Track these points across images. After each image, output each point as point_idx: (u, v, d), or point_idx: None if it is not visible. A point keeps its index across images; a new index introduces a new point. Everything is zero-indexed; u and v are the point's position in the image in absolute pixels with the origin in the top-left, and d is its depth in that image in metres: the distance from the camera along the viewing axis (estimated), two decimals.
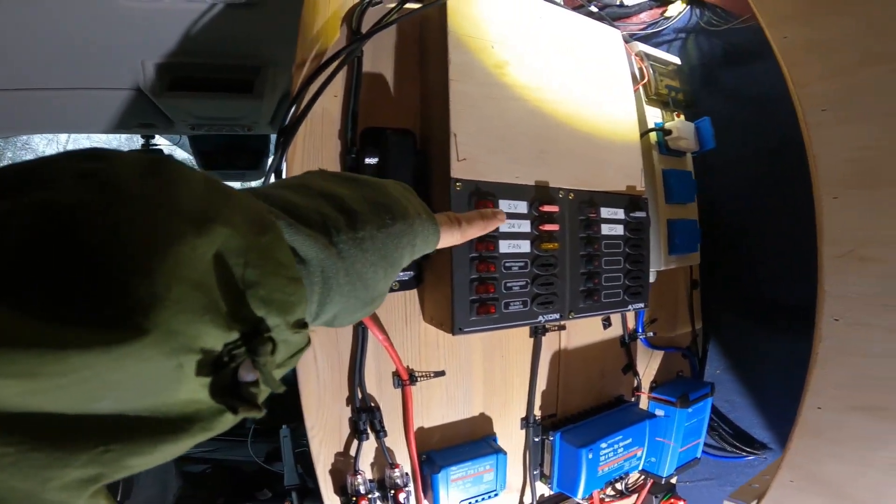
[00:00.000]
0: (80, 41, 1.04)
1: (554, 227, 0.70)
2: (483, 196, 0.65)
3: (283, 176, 0.64)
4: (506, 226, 0.66)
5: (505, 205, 0.67)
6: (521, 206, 0.68)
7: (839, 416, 0.67)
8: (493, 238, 0.66)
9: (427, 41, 0.72)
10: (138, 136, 1.87)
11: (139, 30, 1.02)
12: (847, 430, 0.66)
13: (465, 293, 0.64)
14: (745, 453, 1.08)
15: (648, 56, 0.94)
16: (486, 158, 0.66)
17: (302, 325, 0.25)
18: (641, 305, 0.81)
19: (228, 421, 0.22)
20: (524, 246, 0.68)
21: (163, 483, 1.58)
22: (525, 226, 0.69)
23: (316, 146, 0.66)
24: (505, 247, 0.67)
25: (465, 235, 0.41)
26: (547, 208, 0.70)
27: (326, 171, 0.35)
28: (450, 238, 0.40)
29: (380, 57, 0.72)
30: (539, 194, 0.70)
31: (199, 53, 1.13)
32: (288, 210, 0.28)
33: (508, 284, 0.67)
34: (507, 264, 0.67)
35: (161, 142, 1.96)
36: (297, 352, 0.26)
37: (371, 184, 0.35)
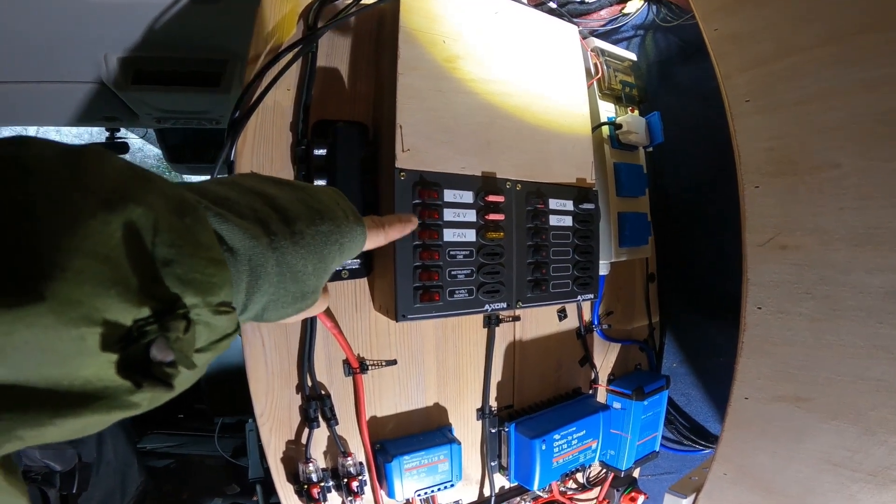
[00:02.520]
0: (41, 35, 1.02)
1: (499, 217, 0.71)
2: (427, 186, 0.65)
3: (235, 167, 0.65)
4: (451, 215, 0.67)
5: (450, 194, 0.67)
6: (468, 196, 0.69)
7: (765, 406, 0.67)
8: (437, 226, 0.66)
9: (382, 36, 0.73)
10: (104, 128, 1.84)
11: (102, 24, 1.01)
12: (774, 421, 0.66)
13: (408, 281, 0.64)
14: (700, 447, 1.09)
15: (604, 52, 0.95)
16: (431, 149, 0.67)
17: (226, 307, 0.25)
18: (591, 296, 0.82)
19: (141, 400, 0.22)
20: (469, 235, 0.69)
21: (122, 476, 1.56)
22: (470, 215, 0.69)
23: (267, 137, 0.67)
24: (450, 235, 0.67)
25: (389, 237, 0.43)
26: (493, 198, 0.70)
27: (258, 174, 0.36)
28: (375, 239, 0.41)
29: (338, 53, 0.72)
30: (486, 184, 0.71)
31: (164, 47, 1.12)
32: (218, 202, 0.28)
33: (453, 272, 0.68)
34: (451, 252, 0.67)
35: (128, 135, 1.94)
36: (224, 337, 0.26)
37: (302, 187, 0.36)
